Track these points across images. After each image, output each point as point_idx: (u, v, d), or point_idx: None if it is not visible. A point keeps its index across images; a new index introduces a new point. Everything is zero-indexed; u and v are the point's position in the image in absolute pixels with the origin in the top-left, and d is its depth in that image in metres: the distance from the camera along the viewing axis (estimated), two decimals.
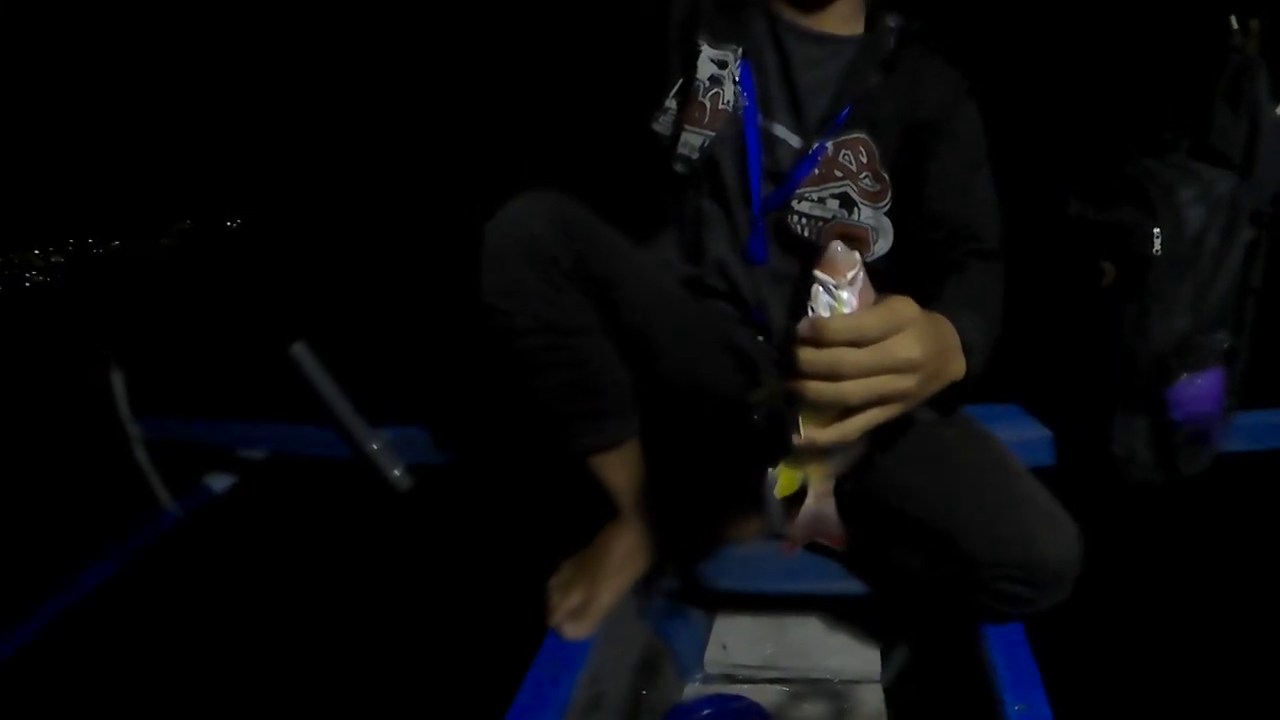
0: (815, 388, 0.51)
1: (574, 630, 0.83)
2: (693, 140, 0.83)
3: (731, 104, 0.84)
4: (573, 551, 0.89)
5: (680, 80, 0.86)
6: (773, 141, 0.85)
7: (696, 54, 0.85)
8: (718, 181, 0.85)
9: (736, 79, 0.84)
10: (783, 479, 0.55)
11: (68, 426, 1.94)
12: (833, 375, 0.50)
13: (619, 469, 0.86)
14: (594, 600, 0.85)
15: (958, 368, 0.61)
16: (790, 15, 0.85)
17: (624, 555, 0.88)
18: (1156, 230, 0.87)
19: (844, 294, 0.51)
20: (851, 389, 0.51)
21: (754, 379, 0.87)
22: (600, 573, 0.87)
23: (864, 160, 0.83)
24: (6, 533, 1.62)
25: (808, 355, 0.50)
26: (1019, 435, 0.96)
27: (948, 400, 0.62)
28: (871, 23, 0.87)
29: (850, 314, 0.51)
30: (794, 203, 0.84)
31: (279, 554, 1.32)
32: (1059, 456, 0.98)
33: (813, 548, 0.92)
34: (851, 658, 0.95)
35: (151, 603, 1.29)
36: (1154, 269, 0.87)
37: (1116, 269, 0.88)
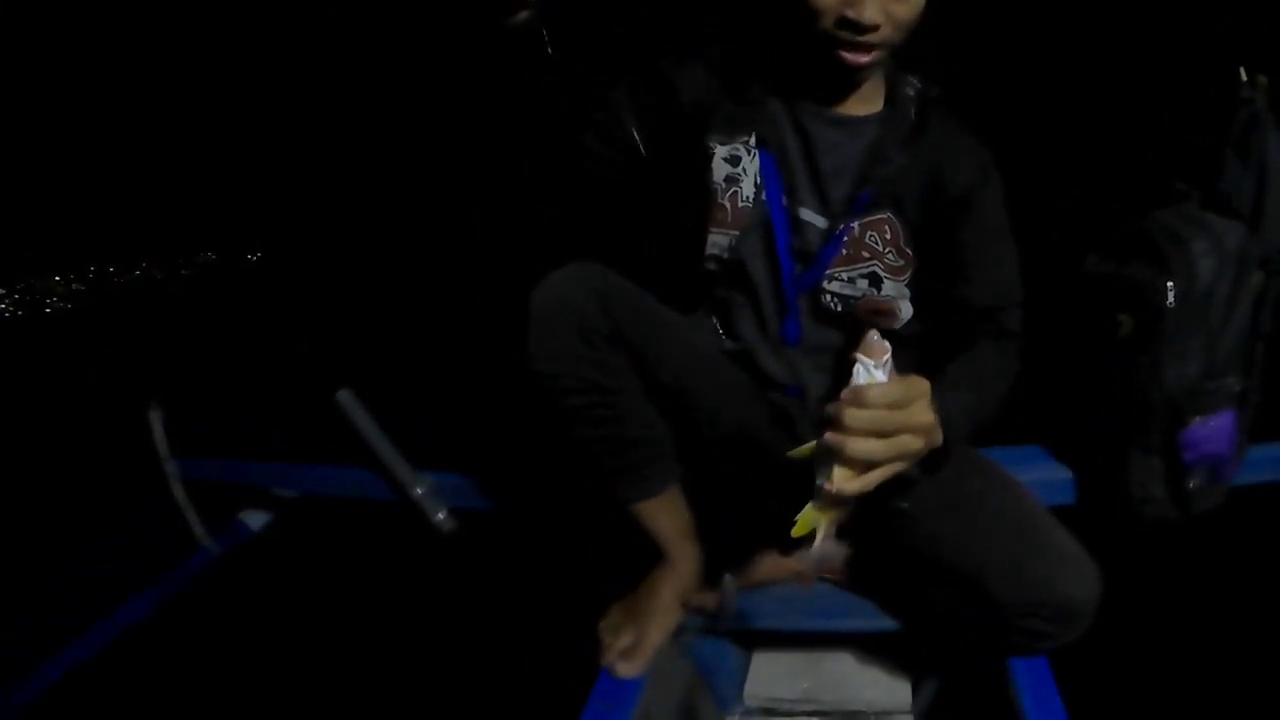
0: (855, 443, 0.66)
1: (626, 669, 0.90)
2: (720, 241, 0.88)
3: (752, 199, 0.87)
4: (620, 595, 0.96)
5: (689, 177, 0.88)
6: (800, 224, 0.89)
7: (709, 157, 0.88)
8: (747, 275, 0.90)
9: (757, 173, 0.87)
10: (801, 522, 0.68)
11: (104, 459, 2.01)
12: (871, 433, 0.66)
13: (662, 516, 0.94)
14: (644, 640, 0.92)
15: (938, 437, 0.74)
16: (809, 101, 0.88)
17: (670, 597, 0.95)
18: (1170, 284, 0.93)
19: (878, 373, 0.67)
20: (883, 445, 0.67)
21: (788, 431, 0.94)
22: (649, 614, 0.94)
23: (888, 238, 0.88)
24: (43, 565, 1.69)
25: (852, 414, 0.66)
26: (1040, 476, 1.03)
27: (930, 463, 0.77)
28: (891, 94, 0.90)
29: (884, 384, 0.67)
30: (825, 283, 0.89)
31: (316, 593, 1.37)
32: (1079, 496, 1.05)
33: (834, 585, 1.01)
34: (884, 691, 1.01)
35: (187, 640, 1.34)
36: (1168, 320, 0.94)
37: (1133, 320, 0.95)
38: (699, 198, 0.88)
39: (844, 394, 0.67)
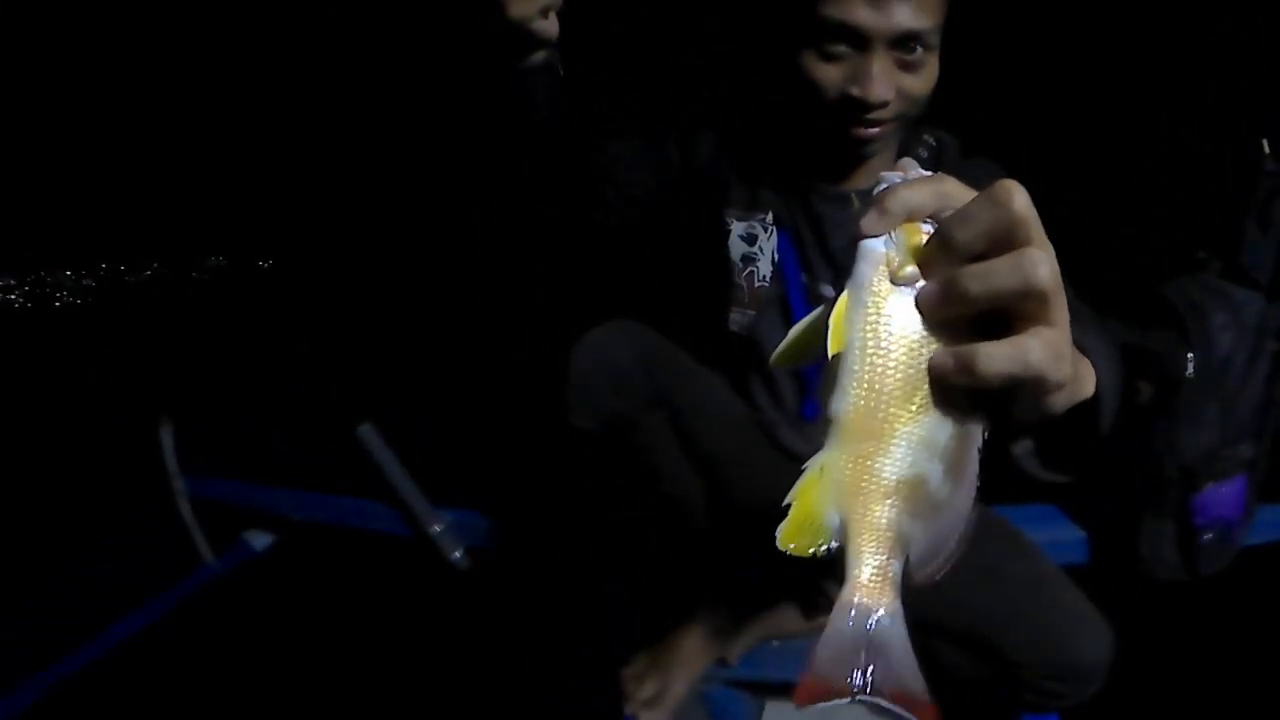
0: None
1: (650, 717, 0.94)
2: (737, 319, 0.89)
3: (768, 278, 0.87)
4: (644, 643, 1.01)
5: (705, 253, 0.88)
6: (820, 300, 0.89)
7: (726, 233, 0.87)
8: (766, 354, 0.89)
9: (775, 251, 0.87)
10: (797, 507, 0.34)
11: (108, 462, 2.02)
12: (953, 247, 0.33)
13: (687, 570, 0.98)
14: (667, 689, 0.96)
15: (1087, 383, 0.42)
16: (819, 181, 0.87)
17: (693, 648, 0.99)
18: (1190, 355, 0.99)
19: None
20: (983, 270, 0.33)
21: None
22: (673, 664, 0.98)
23: None
24: (42, 569, 1.71)
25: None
26: (1055, 535, 1.08)
27: (1075, 439, 0.48)
28: (904, 154, 0.87)
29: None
30: None
31: (316, 618, 1.37)
32: (1092, 555, 1.09)
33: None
34: None
35: (182, 656, 1.34)
36: (1186, 390, 0.99)
37: (1151, 388, 1.01)
38: (716, 274, 0.88)
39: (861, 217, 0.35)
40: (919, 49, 0.74)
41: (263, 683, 1.27)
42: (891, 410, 0.32)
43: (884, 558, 0.32)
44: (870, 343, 0.31)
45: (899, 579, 0.33)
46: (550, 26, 0.68)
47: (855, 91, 0.74)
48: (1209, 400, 1.01)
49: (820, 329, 0.32)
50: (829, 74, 0.75)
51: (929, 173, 0.35)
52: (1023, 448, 0.52)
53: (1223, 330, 1.00)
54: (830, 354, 0.32)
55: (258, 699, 1.24)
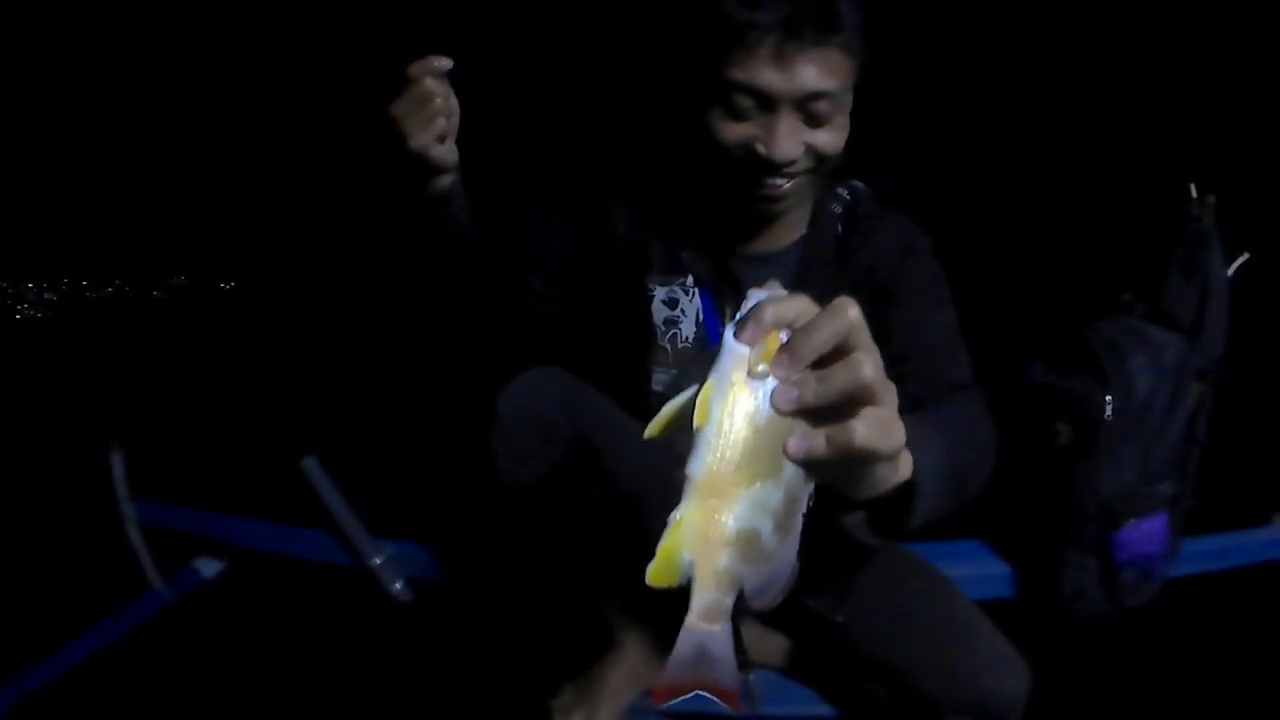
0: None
1: None
2: (662, 378, 0.92)
3: (691, 338, 0.91)
4: (571, 675, 1.05)
5: (629, 318, 0.92)
6: None
7: (649, 299, 0.92)
8: None
9: (698, 312, 0.91)
10: (662, 551, 0.40)
11: (57, 482, 2.04)
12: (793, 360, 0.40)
13: (614, 605, 1.03)
14: None
15: (905, 467, 0.51)
16: (735, 239, 0.90)
17: (621, 680, 1.04)
18: (1109, 398, 1.04)
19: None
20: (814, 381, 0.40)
21: None
22: (599, 696, 1.03)
23: None
24: None
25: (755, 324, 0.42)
26: (980, 570, 1.13)
27: (893, 512, 0.57)
28: (816, 213, 0.91)
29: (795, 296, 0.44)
30: None
31: (263, 647, 1.41)
32: (1017, 590, 1.14)
33: (776, 672, 1.09)
34: None
35: (131, 681, 1.36)
36: (1104, 432, 1.03)
37: (1071, 429, 1.06)
38: (640, 339, 0.91)
39: (728, 326, 0.42)
40: (827, 106, 0.76)
41: (209, 709, 1.30)
42: (734, 476, 0.40)
43: (719, 594, 0.41)
44: (724, 423, 0.40)
45: (729, 610, 0.41)
46: (449, 152, 0.73)
47: (762, 150, 0.76)
48: (1128, 441, 1.06)
49: (689, 408, 0.41)
50: (736, 132, 0.77)
51: (786, 293, 0.44)
52: (855, 518, 0.62)
53: (1142, 372, 1.05)
54: (695, 428, 0.40)
55: None
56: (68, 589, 1.69)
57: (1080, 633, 1.15)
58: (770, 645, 1.07)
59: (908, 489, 0.53)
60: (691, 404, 0.41)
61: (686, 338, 0.92)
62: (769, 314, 0.41)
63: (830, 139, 0.78)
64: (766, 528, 0.40)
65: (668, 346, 0.92)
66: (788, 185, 0.80)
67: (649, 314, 0.92)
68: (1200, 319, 1.10)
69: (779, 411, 0.40)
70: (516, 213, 0.91)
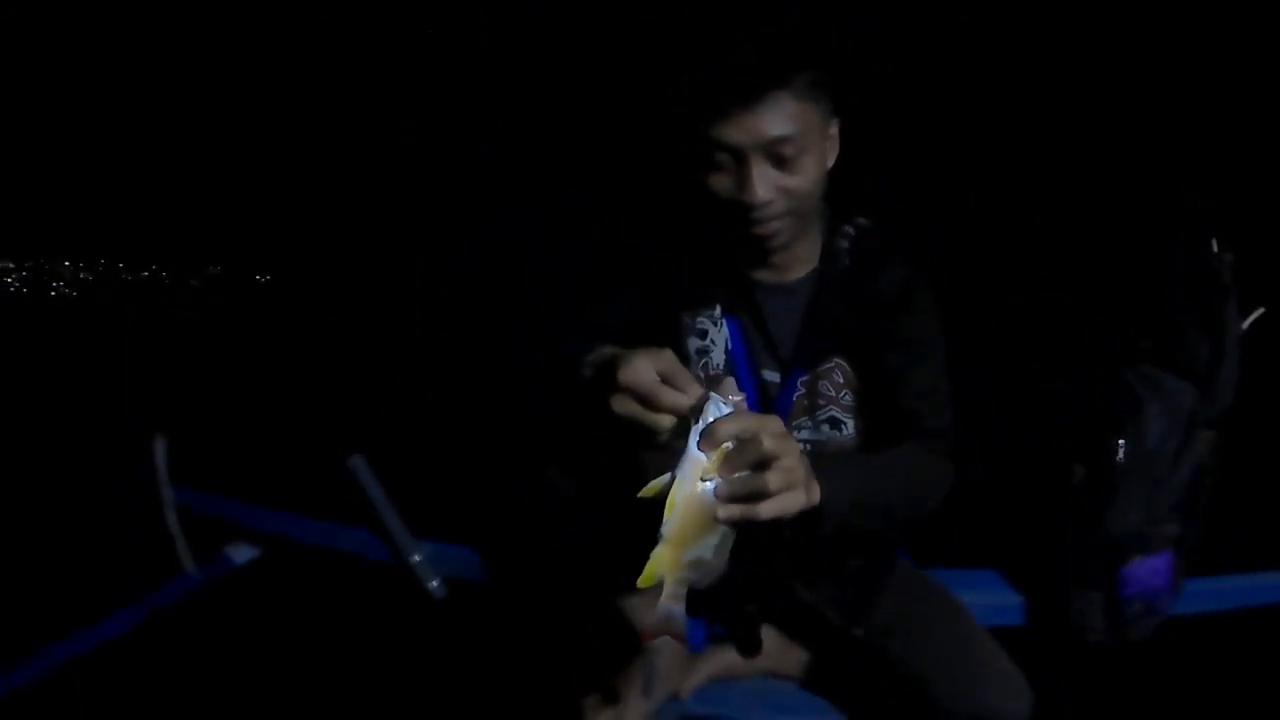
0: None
1: None
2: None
3: (721, 365, 1.00)
4: (599, 676, 1.13)
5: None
6: (763, 384, 1.02)
7: (683, 328, 1.00)
8: None
9: (726, 340, 1.00)
10: (647, 571, 0.65)
11: (93, 461, 2.09)
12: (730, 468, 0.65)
13: (642, 608, 1.11)
14: None
15: (814, 493, 0.72)
16: (755, 272, 0.99)
17: (647, 684, 1.12)
18: (1121, 442, 1.12)
19: (727, 410, 0.69)
20: (735, 483, 0.65)
21: (768, 566, 1.10)
22: (627, 699, 1.11)
23: (840, 381, 1.00)
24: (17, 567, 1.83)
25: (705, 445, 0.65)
26: (993, 599, 1.20)
27: (804, 526, 0.75)
28: (826, 248, 1.00)
29: (736, 415, 0.68)
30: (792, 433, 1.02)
31: (291, 635, 1.48)
32: (1027, 619, 1.22)
33: (793, 683, 1.17)
34: None
35: (158, 662, 1.43)
36: (1116, 474, 1.12)
37: (1084, 470, 1.14)
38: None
39: (693, 430, 0.66)
40: (791, 149, 0.86)
41: (233, 693, 1.35)
42: (688, 531, 0.66)
43: (679, 589, 0.67)
44: (684, 503, 0.65)
45: (685, 595, 0.67)
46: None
47: (740, 196, 0.86)
48: (1138, 483, 1.13)
49: (668, 488, 0.66)
50: (718, 183, 0.88)
51: (735, 412, 0.67)
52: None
53: (1154, 419, 1.13)
54: (667, 504, 0.65)
55: (226, 709, 1.35)
56: (100, 569, 1.77)
57: (1084, 660, 1.23)
58: (790, 658, 1.15)
59: (817, 511, 0.75)
60: (669, 485, 0.66)
61: (717, 365, 1.00)
62: (720, 432, 0.65)
63: (799, 179, 0.88)
64: (707, 554, 0.66)
65: (701, 375, 0.99)
66: (774, 225, 0.90)
67: (685, 346, 1.00)
68: (1214, 371, 1.17)
69: (719, 498, 0.66)
70: (577, 311, 1.03)
